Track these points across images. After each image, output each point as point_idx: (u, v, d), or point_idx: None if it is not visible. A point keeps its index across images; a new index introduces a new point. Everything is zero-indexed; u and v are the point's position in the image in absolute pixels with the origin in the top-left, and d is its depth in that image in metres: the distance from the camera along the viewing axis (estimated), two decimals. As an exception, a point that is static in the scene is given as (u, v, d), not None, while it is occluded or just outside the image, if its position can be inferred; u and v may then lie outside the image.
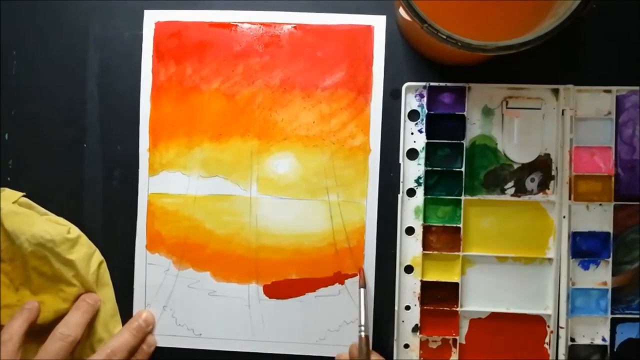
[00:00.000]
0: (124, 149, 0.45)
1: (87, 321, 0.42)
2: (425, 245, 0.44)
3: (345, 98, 0.44)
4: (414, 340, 0.44)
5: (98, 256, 0.45)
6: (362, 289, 0.42)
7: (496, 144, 0.44)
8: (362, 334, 0.40)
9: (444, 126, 0.44)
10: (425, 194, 0.44)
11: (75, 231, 0.44)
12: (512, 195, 0.43)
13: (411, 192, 0.44)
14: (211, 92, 0.45)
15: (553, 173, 0.43)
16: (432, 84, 0.43)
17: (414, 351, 0.44)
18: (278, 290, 0.44)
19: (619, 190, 0.43)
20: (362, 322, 0.40)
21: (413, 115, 0.44)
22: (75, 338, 0.41)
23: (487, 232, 0.44)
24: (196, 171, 0.45)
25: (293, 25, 0.44)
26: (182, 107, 0.45)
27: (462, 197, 0.43)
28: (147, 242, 0.45)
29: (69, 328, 0.41)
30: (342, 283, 0.44)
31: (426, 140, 0.44)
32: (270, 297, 0.45)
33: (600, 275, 0.43)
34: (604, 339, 0.43)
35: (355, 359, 0.40)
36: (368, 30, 0.44)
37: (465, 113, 0.43)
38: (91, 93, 0.45)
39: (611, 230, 0.43)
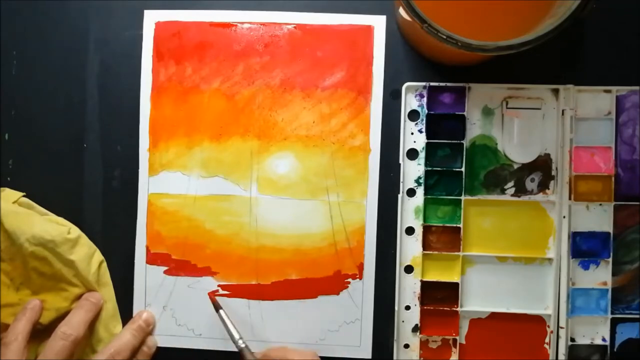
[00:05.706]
0: (124, 149, 0.45)
1: (89, 320, 0.42)
2: (425, 245, 0.44)
3: (345, 98, 0.44)
4: (414, 340, 0.44)
5: (98, 256, 0.45)
6: (221, 311, 0.43)
7: (496, 144, 0.43)
8: (242, 345, 0.42)
9: (444, 126, 0.44)
10: (425, 194, 0.44)
11: (75, 231, 0.44)
12: (512, 195, 0.43)
13: (411, 192, 0.44)
14: (211, 92, 0.45)
15: (553, 173, 0.43)
16: (432, 84, 0.43)
17: (414, 351, 0.44)
18: (278, 290, 0.44)
19: (619, 190, 0.43)
20: (237, 337, 0.42)
21: (413, 115, 0.44)
22: (78, 337, 0.41)
23: (487, 232, 0.44)
24: (196, 171, 0.45)
25: (293, 25, 0.44)
26: (182, 107, 0.45)
27: (462, 197, 0.43)
28: (147, 242, 0.45)
29: (71, 327, 0.41)
30: (342, 283, 0.44)
31: (426, 140, 0.44)
32: (270, 298, 0.45)
33: (600, 275, 0.43)
34: (604, 339, 0.43)
35: None
36: (368, 30, 0.44)
37: (465, 113, 0.43)
38: (91, 93, 0.45)
39: (611, 230, 0.43)
